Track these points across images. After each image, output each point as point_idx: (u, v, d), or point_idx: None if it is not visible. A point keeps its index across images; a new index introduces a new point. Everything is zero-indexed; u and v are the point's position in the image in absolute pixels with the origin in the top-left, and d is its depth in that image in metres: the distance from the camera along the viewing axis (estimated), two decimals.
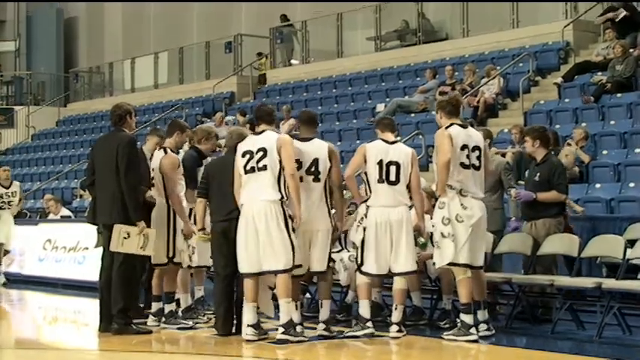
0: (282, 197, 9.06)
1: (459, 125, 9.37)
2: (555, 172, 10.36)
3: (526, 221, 10.55)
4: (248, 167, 9.19)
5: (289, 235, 9.02)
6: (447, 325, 9.93)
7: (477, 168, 9.33)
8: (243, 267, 9.17)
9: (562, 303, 9.86)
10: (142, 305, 10.75)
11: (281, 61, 27.73)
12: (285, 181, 9.06)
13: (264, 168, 9.09)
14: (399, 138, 10.32)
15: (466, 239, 9.14)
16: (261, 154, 9.14)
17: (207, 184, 9.84)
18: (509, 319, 9.98)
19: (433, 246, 9.78)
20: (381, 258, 9.38)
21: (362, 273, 9.49)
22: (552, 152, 13.25)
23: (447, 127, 9.33)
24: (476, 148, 9.34)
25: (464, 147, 9.23)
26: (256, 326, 9.19)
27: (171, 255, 10.24)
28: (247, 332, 9.17)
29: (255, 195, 9.10)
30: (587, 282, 9.54)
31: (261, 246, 9.01)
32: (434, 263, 9.50)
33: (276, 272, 9.05)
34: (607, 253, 9.98)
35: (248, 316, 9.18)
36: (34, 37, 36.98)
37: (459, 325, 9.20)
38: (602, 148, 14.44)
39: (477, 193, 9.29)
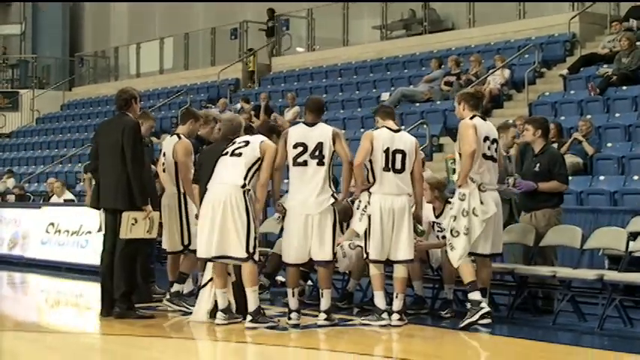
0: (245, 185, 9.15)
1: (480, 117, 9.46)
2: (556, 163, 10.35)
3: (525, 212, 10.53)
4: (224, 152, 9.41)
5: (248, 224, 9.09)
6: (449, 315, 9.96)
7: (495, 160, 9.44)
8: (201, 251, 9.30)
9: (564, 294, 9.87)
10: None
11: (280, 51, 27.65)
12: (253, 175, 9.23)
13: (239, 155, 9.27)
14: (403, 127, 10.32)
15: (480, 232, 9.21)
16: (243, 144, 9.36)
17: (198, 171, 9.95)
18: (511, 309, 9.99)
19: (434, 231, 9.91)
20: (384, 244, 9.40)
21: (369, 260, 9.50)
22: (556, 143, 13.33)
23: (471, 118, 9.38)
24: (495, 140, 9.46)
25: (485, 139, 9.33)
26: (226, 310, 9.34)
27: (186, 242, 10.28)
28: (218, 316, 9.36)
29: (218, 178, 9.26)
30: (589, 274, 9.54)
31: (220, 232, 9.10)
32: (449, 249, 9.44)
33: (238, 259, 9.15)
34: (610, 246, 9.99)
35: (219, 300, 9.36)
36: (40, 20, 36.97)
37: (468, 306, 9.23)
38: (606, 140, 14.43)
39: (493, 185, 9.38)
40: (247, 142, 9.34)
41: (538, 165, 10.37)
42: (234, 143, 9.42)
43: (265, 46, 27.53)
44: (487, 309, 9.15)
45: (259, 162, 9.25)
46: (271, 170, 9.28)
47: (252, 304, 9.15)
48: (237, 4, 30.34)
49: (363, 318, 9.62)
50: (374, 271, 9.50)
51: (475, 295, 9.20)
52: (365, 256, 9.57)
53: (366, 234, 9.45)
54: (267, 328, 9.12)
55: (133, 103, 10.08)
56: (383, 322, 9.38)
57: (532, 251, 10.18)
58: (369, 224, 9.41)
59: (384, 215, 9.38)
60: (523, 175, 10.52)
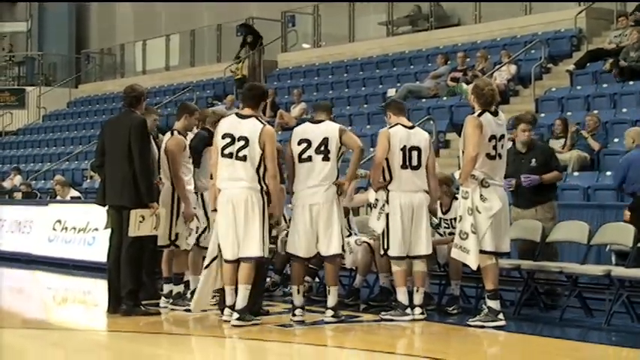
0: (262, 188, 9.06)
1: (491, 113, 9.24)
2: (552, 155, 10.59)
3: (525, 208, 10.49)
4: (226, 152, 9.14)
5: (263, 225, 9.03)
6: (455, 311, 9.95)
7: (501, 157, 9.27)
8: (227, 253, 9.18)
9: (570, 290, 9.85)
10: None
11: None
12: (264, 173, 9.06)
13: (244, 158, 9.05)
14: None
15: (486, 228, 9.05)
16: (242, 142, 9.09)
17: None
18: (518, 305, 9.97)
19: (441, 227, 9.96)
20: (404, 241, 9.44)
21: (388, 257, 9.53)
22: (563, 138, 13.35)
23: (479, 115, 9.20)
24: (503, 137, 9.26)
25: (492, 138, 9.12)
26: (234, 307, 9.25)
27: (173, 238, 10.27)
28: (226, 314, 9.29)
29: (234, 182, 9.09)
30: (596, 270, 9.52)
31: (239, 233, 9.04)
32: (464, 253, 9.28)
33: (250, 259, 9.05)
34: (617, 241, 9.96)
35: (228, 298, 9.27)
36: (46, 17, 36.98)
37: (485, 310, 9.16)
38: (613, 135, 14.38)
39: (500, 181, 9.24)
40: (247, 141, 9.09)
41: (534, 160, 10.45)
42: (232, 139, 9.11)
43: (247, 56, 27.21)
44: (503, 322, 9.09)
45: (263, 155, 9.09)
46: (275, 157, 9.12)
47: (241, 302, 9.07)
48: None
49: (384, 313, 9.60)
50: (396, 267, 9.52)
51: (495, 304, 9.13)
52: (382, 252, 9.60)
53: (385, 232, 9.47)
54: (253, 325, 9.08)
55: (142, 100, 10.11)
56: (407, 318, 9.40)
57: (540, 246, 10.17)
58: (387, 222, 9.43)
59: (404, 212, 9.42)
60: (513, 173, 10.41)
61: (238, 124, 9.22)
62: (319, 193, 9.22)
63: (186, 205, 10.22)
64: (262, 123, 9.21)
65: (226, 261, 9.21)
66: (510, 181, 10.35)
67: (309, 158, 9.27)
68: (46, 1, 36.90)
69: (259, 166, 9.05)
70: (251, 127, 9.13)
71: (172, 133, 10.40)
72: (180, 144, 10.27)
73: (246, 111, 9.31)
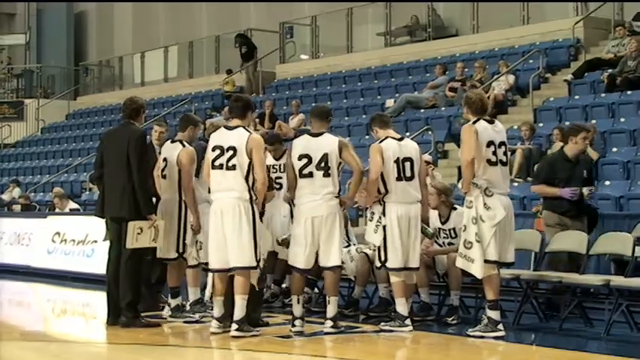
0: (252, 197, 9.08)
1: (486, 121, 9.25)
2: (593, 168, 10.49)
3: (574, 219, 10.43)
4: (217, 163, 9.20)
5: (254, 234, 9.05)
6: (455, 321, 9.94)
7: (504, 164, 9.24)
8: (213, 263, 9.25)
9: (570, 300, 9.85)
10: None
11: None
12: (253, 182, 9.10)
13: (233, 168, 9.10)
14: (407, 134, 10.31)
15: (490, 238, 9.02)
16: (231, 152, 9.13)
17: None
18: (517, 315, 9.96)
19: (439, 238, 9.95)
20: (403, 252, 9.44)
21: (387, 269, 9.53)
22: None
23: (474, 122, 9.20)
24: (502, 144, 9.24)
25: (490, 143, 9.10)
26: (221, 319, 9.31)
27: (181, 250, 10.25)
28: (212, 325, 9.34)
29: (225, 192, 9.13)
30: (595, 279, 9.52)
31: (228, 242, 9.06)
32: (468, 262, 9.23)
33: (240, 269, 9.07)
34: (616, 251, 9.96)
35: (216, 309, 9.34)
36: (45, 30, 37.04)
37: (484, 321, 9.13)
38: (611, 145, 14.40)
39: (504, 189, 9.21)
40: (235, 150, 9.13)
41: (585, 171, 10.47)
42: (221, 151, 9.18)
43: (245, 67, 27.24)
44: (503, 333, 9.07)
45: (252, 164, 9.12)
46: (264, 164, 9.22)
47: (239, 313, 9.08)
48: (241, 11, 30.41)
49: (383, 324, 9.59)
50: (394, 278, 9.50)
51: (495, 315, 9.11)
52: (379, 265, 9.58)
53: (383, 244, 9.46)
54: (252, 336, 9.09)
55: (141, 112, 10.12)
56: (407, 329, 9.38)
57: (539, 256, 10.18)
58: (385, 234, 9.43)
59: (400, 223, 9.42)
60: (566, 181, 10.42)
61: (226, 135, 9.29)
62: (322, 206, 9.24)
63: (196, 218, 10.21)
64: (249, 132, 9.25)
65: (213, 270, 9.28)
66: (575, 191, 10.28)
67: (311, 174, 9.27)
68: (46, 1, 36.94)
69: (248, 174, 9.08)
70: (238, 137, 9.18)
71: (183, 144, 10.34)
72: (192, 156, 10.26)
73: (234, 122, 9.39)
